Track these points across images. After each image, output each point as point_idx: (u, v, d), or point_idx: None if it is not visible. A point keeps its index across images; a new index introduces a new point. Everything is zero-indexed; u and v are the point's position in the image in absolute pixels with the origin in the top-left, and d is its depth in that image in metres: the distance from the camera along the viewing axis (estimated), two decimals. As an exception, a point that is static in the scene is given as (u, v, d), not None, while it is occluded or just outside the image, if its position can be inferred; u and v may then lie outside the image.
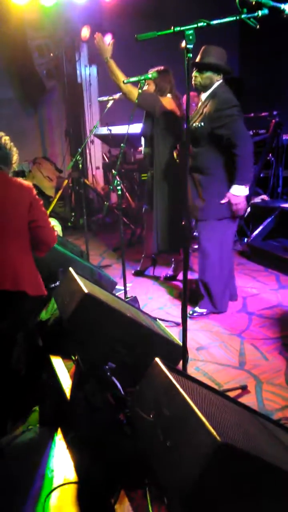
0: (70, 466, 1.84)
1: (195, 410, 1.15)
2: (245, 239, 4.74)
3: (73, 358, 2.38)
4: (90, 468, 1.80)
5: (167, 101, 3.43)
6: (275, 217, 4.55)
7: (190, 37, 1.67)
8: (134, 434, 1.70)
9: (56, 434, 2.04)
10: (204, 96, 2.97)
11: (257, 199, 5.21)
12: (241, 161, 2.79)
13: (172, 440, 1.13)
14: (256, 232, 4.54)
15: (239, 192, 2.85)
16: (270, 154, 5.26)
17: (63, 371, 2.40)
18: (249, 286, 3.80)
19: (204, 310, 3.24)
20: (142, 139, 3.71)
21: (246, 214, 5.01)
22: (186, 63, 1.70)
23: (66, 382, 2.29)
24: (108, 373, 2.05)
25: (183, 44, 1.70)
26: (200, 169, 2.98)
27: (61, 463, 1.86)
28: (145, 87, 3.35)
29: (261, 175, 5.32)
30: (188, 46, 1.67)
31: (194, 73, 2.95)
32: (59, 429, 2.06)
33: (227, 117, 2.78)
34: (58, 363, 2.46)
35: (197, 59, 2.90)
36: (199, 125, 2.88)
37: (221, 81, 2.93)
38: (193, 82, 2.95)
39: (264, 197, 5.31)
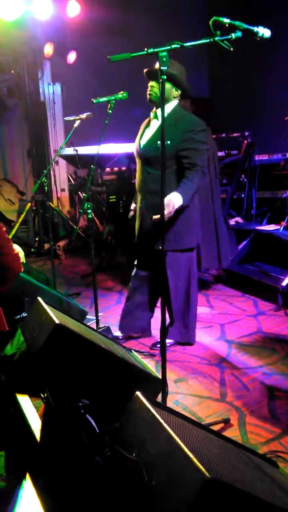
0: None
1: (181, 445, 1.16)
2: (221, 263, 4.84)
3: (42, 396, 2.33)
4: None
5: None
6: (250, 240, 4.69)
7: (164, 58, 1.75)
8: (113, 475, 1.68)
9: (25, 481, 1.99)
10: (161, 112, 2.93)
11: (231, 222, 5.36)
12: (192, 182, 2.80)
13: (157, 479, 1.14)
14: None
15: (176, 199, 2.73)
16: (243, 175, 5.46)
17: (31, 411, 2.35)
18: (227, 312, 3.87)
19: (171, 341, 3.25)
20: None
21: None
22: (160, 85, 1.78)
23: (35, 422, 2.24)
24: (82, 411, 2.02)
25: (157, 65, 1.78)
26: (158, 192, 2.92)
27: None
28: None
29: (234, 197, 5.50)
30: (162, 68, 1.75)
31: (151, 83, 2.85)
32: (27, 475, 2.01)
33: (197, 142, 2.82)
34: (25, 402, 2.41)
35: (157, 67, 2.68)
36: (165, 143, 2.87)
37: (177, 101, 2.91)
38: (148, 93, 2.86)
39: (238, 219, 5.48)
